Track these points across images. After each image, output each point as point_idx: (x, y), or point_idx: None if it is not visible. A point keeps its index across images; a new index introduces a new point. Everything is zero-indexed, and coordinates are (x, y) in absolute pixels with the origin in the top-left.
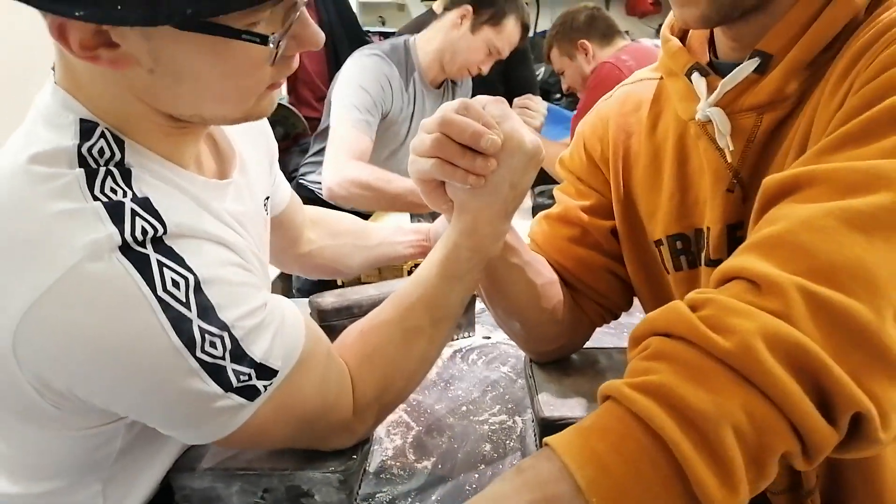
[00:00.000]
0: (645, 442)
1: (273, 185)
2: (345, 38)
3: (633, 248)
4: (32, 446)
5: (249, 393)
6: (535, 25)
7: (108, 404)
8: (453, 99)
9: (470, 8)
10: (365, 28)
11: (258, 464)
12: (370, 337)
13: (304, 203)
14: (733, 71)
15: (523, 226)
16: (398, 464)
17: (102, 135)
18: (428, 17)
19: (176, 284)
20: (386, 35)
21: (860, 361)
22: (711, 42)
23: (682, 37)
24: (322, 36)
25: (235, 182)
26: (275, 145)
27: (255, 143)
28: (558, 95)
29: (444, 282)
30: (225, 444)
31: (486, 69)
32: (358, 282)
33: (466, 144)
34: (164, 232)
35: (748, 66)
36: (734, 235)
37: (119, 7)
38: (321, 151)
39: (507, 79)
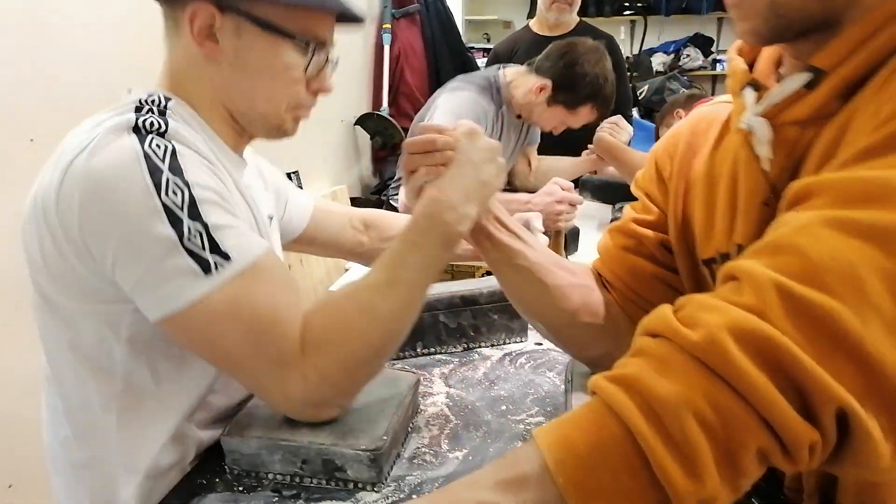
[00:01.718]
0: (614, 429)
1: (284, 210)
2: (447, 54)
3: (686, 265)
4: (54, 343)
5: (201, 263)
6: (643, 43)
7: (100, 251)
8: (529, 128)
9: (549, 84)
10: (469, 45)
11: (299, 437)
12: (334, 293)
13: None
14: (782, 83)
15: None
16: (431, 451)
17: (158, 98)
18: (523, 34)
19: (158, 147)
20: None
21: (841, 365)
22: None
23: (754, 61)
24: (331, 88)
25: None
26: (276, 176)
27: (252, 174)
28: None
29: (402, 245)
30: (181, 332)
31: (557, 132)
32: None
33: (427, 150)
34: (165, 131)
35: (797, 80)
36: None
37: None
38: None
39: None
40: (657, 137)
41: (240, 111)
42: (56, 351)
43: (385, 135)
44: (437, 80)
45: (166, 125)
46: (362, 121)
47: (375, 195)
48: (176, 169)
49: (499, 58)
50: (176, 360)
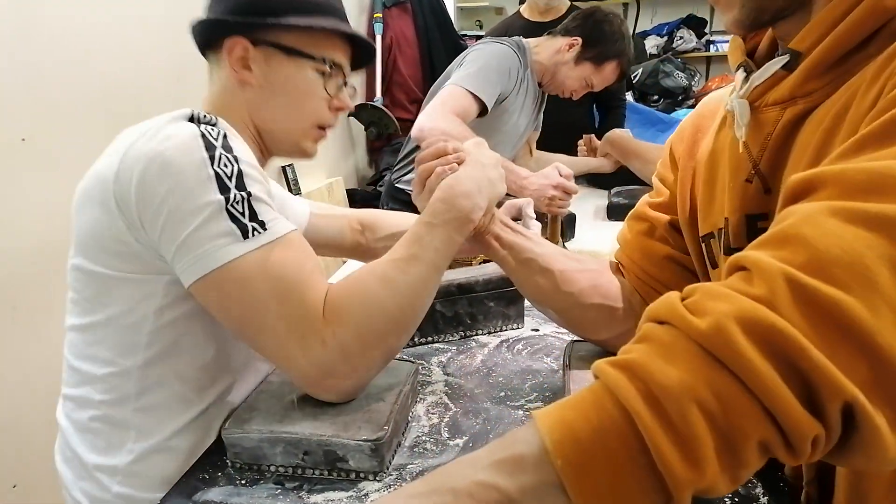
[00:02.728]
0: (614, 413)
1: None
2: (440, 42)
3: (692, 243)
4: (98, 312)
5: (242, 227)
6: (635, 26)
7: (152, 220)
8: (540, 106)
9: (580, 40)
10: (462, 32)
11: (300, 429)
12: (357, 269)
13: (400, 206)
14: (763, 66)
15: (596, 225)
16: (432, 440)
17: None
18: (514, 20)
19: (212, 130)
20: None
21: (850, 357)
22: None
23: (759, 41)
24: (351, 106)
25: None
26: (276, 189)
27: None
28: (656, 97)
29: (420, 225)
30: (213, 292)
31: (577, 96)
32: None
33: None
34: (216, 123)
35: (776, 63)
36: (755, 226)
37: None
38: (414, 151)
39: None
40: None
41: (267, 129)
42: (89, 314)
43: (379, 125)
44: (430, 69)
45: (216, 121)
46: (356, 112)
47: (371, 186)
48: (227, 147)
49: None
50: (198, 338)
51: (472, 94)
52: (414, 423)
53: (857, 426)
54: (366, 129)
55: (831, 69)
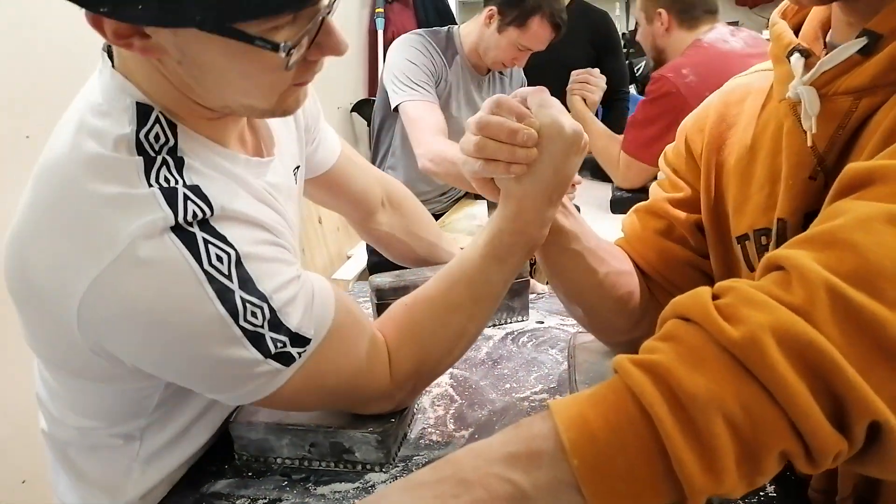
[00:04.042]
0: (634, 415)
1: (311, 148)
2: None
3: (717, 245)
4: (80, 394)
5: (285, 359)
6: (627, 22)
7: (157, 371)
8: (499, 85)
9: (495, 9)
10: None
11: (306, 421)
12: (413, 311)
13: None
14: (835, 49)
15: (600, 217)
16: (438, 431)
17: (157, 120)
18: None
19: (220, 259)
20: None
21: (885, 376)
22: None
23: (799, 26)
24: (346, 46)
25: (275, 159)
26: (315, 109)
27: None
28: None
29: (487, 262)
30: (261, 405)
31: (521, 64)
32: None
33: (505, 141)
34: (211, 214)
35: (853, 46)
36: None
37: (139, 7)
38: (387, 153)
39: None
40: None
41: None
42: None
43: None
44: None
45: (210, 208)
46: (359, 107)
47: None
48: (247, 282)
49: None
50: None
51: (422, 101)
52: (420, 415)
53: (880, 441)
54: (368, 125)
55: None
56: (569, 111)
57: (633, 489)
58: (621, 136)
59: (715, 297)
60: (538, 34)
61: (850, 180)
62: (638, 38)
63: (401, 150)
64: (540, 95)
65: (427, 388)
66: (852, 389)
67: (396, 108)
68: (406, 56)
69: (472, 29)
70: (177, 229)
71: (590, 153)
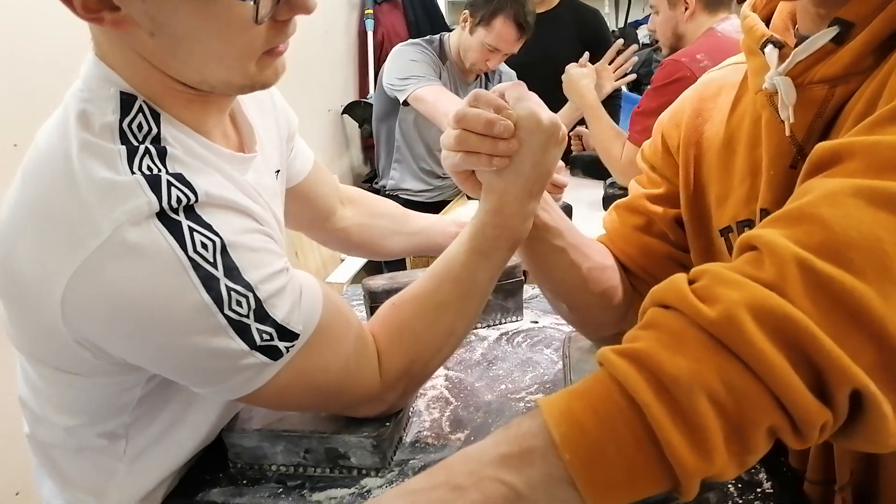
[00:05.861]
0: (622, 404)
1: (289, 157)
2: None
3: (698, 238)
4: (64, 388)
5: (272, 353)
6: (627, 15)
7: (142, 360)
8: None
9: (467, 12)
10: (453, 26)
11: (300, 426)
12: (401, 311)
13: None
14: (808, 39)
15: (592, 216)
16: (433, 434)
17: (140, 109)
18: None
19: (205, 246)
20: None
21: (859, 344)
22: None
23: (768, 19)
24: (314, 3)
25: (258, 156)
26: (294, 120)
27: (266, 119)
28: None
29: (471, 258)
30: (249, 402)
31: (493, 65)
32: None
33: (483, 133)
34: (196, 200)
35: (825, 35)
36: None
37: None
38: (391, 161)
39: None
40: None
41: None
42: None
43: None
44: None
45: (194, 195)
46: (350, 109)
47: (367, 184)
48: (232, 270)
49: None
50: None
51: (432, 85)
52: (415, 419)
53: (863, 411)
54: (360, 127)
55: (889, 42)
56: (558, 105)
57: (626, 477)
58: (626, 132)
59: (691, 281)
60: (502, 33)
61: (819, 159)
62: (651, 26)
63: (404, 146)
64: (518, 89)
65: (422, 391)
66: (830, 359)
67: (405, 102)
68: (408, 58)
69: (457, 36)
70: (161, 216)
71: (584, 150)
